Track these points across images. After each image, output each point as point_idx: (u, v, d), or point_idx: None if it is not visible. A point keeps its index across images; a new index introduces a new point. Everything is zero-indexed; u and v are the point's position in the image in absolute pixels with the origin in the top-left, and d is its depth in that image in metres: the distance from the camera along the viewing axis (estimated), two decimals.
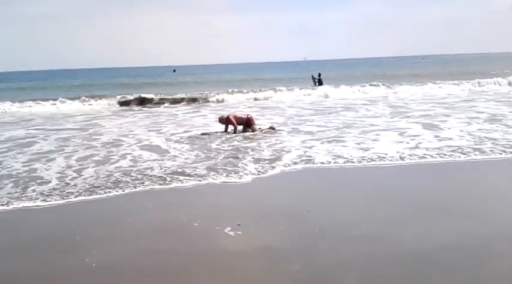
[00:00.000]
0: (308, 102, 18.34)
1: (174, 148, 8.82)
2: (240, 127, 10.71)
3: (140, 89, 27.52)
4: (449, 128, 9.93)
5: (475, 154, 7.37)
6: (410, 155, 7.41)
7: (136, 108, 18.55)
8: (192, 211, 5.16)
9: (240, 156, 7.78)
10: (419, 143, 8.36)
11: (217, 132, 10.51)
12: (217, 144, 9.01)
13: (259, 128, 10.70)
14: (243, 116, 10.94)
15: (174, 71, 77.01)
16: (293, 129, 10.84)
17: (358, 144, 8.58)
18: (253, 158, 7.57)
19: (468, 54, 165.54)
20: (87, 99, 20.25)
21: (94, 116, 15.50)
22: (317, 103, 17.64)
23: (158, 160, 7.76)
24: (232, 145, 8.84)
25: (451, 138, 8.72)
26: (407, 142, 8.47)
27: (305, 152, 7.94)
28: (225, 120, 10.79)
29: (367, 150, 7.91)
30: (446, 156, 7.34)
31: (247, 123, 10.78)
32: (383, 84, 22.96)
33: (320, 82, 27.18)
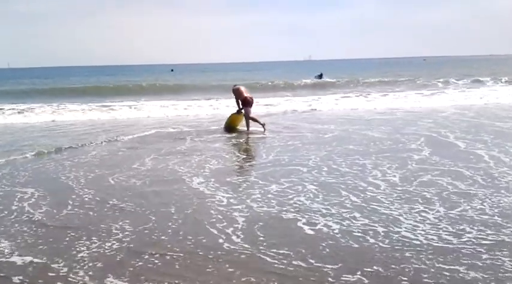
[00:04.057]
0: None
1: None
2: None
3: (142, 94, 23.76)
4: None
5: None
6: None
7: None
8: None
9: None
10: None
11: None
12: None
13: (253, 118, 10.45)
14: (247, 95, 10.56)
15: (172, 70, 73.32)
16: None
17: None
18: None
19: (474, 56, 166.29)
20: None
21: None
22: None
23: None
24: None
25: None
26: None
27: None
28: (235, 92, 10.64)
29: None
30: None
31: (244, 101, 10.44)
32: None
33: (321, 76, 32.60)
